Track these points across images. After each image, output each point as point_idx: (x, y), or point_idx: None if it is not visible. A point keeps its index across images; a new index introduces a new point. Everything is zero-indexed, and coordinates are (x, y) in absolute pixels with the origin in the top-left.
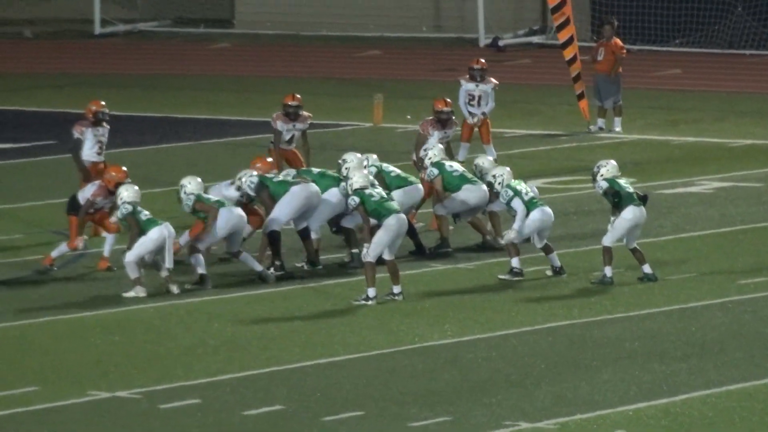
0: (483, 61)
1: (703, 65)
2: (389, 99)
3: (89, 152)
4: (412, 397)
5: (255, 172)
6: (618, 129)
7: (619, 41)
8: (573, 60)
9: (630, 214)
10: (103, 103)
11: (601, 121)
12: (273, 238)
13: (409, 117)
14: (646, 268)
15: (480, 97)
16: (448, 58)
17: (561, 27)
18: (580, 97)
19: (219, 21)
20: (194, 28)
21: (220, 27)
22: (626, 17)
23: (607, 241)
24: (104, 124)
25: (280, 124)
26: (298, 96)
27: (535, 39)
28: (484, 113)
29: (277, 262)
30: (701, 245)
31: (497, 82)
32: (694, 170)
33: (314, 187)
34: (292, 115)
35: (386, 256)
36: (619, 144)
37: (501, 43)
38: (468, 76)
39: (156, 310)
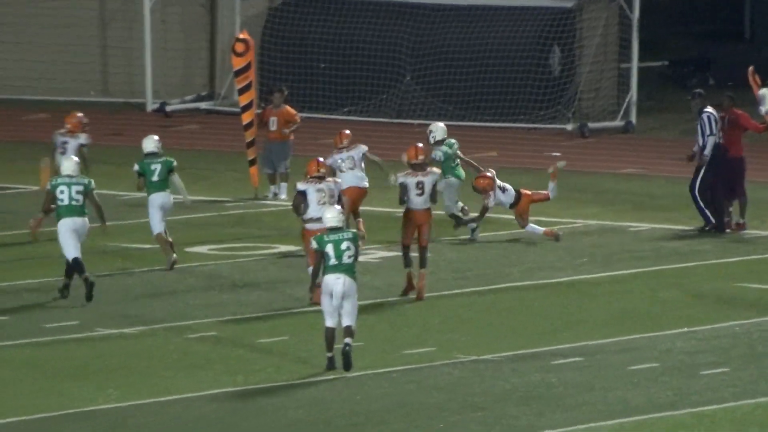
0: None
1: (372, 134)
2: None
3: None
4: None
5: None
6: (284, 196)
7: (290, 108)
8: (249, 125)
9: None
10: None
11: (274, 187)
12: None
13: None
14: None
15: None
16: (115, 123)
17: (242, 91)
18: (252, 162)
19: None
20: None
21: None
22: (294, 85)
23: None
24: None
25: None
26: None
27: (203, 105)
28: None
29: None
30: (367, 315)
31: None
32: None
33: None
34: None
35: None
36: (286, 212)
37: (168, 108)
38: None
39: None
